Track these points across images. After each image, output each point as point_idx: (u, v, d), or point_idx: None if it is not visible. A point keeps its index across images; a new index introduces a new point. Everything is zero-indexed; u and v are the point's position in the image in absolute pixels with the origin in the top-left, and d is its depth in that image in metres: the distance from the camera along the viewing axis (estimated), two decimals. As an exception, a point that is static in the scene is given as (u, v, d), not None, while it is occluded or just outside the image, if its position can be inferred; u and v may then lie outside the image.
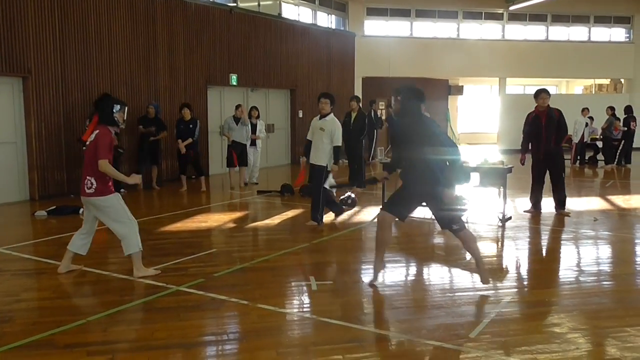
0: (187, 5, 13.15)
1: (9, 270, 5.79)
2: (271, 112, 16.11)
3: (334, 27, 19.65)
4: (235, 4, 14.95)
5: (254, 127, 12.02)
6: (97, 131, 5.34)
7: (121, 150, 10.85)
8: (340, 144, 7.79)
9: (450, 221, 5.01)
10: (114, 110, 5.39)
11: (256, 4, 16.01)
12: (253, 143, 12.05)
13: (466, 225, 5.18)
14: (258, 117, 12.12)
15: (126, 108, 5.60)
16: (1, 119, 9.86)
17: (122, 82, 11.66)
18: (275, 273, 5.75)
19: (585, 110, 16.38)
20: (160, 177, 12.15)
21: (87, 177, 5.33)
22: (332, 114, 7.75)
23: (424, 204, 5.16)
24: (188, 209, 9.40)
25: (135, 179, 5.58)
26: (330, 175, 8.04)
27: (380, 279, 5.72)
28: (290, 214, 8.84)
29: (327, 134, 7.67)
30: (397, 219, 5.28)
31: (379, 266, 5.31)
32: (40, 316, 4.62)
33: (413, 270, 6.13)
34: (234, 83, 14.45)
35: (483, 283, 5.19)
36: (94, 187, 5.30)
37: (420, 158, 4.88)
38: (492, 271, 5.96)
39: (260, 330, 4.22)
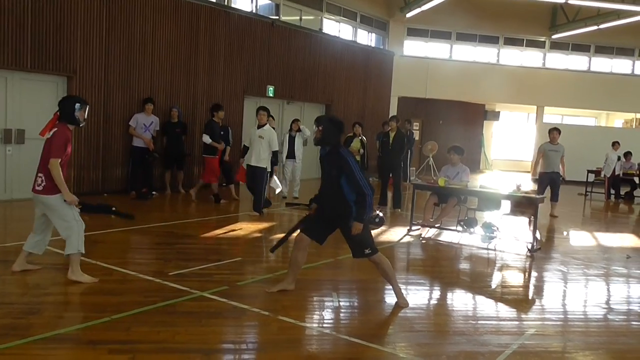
0: (230, 15, 13.39)
1: (40, 264, 5.94)
2: (306, 125, 16.08)
3: (373, 45, 19.74)
4: (277, 17, 15.17)
5: (291, 140, 12.11)
6: (56, 129, 5.34)
7: (156, 154, 11.05)
8: (277, 149, 9.51)
9: (361, 249, 5.15)
10: (75, 109, 5.39)
11: (298, 18, 16.23)
12: (291, 156, 12.06)
13: (378, 249, 5.25)
14: (299, 130, 12.28)
15: (87, 107, 5.58)
16: (44, 116, 10.06)
17: (162, 86, 11.90)
18: (298, 286, 5.75)
19: (616, 144, 15.83)
20: (191, 183, 12.31)
21: (39, 174, 5.30)
22: (268, 124, 9.37)
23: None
24: (216, 216, 9.51)
25: (72, 198, 5.36)
26: (275, 176, 9.55)
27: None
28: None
29: (265, 141, 9.20)
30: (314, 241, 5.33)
31: (287, 283, 5.43)
32: (67, 311, 4.73)
33: (437, 294, 6.07)
34: (271, 94, 14.60)
35: (402, 306, 5.23)
36: (43, 184, 5.26)
37: (335, 186, 5.06)
38: (517, 302, 5.89)
39: (279, 342, 4.23)
